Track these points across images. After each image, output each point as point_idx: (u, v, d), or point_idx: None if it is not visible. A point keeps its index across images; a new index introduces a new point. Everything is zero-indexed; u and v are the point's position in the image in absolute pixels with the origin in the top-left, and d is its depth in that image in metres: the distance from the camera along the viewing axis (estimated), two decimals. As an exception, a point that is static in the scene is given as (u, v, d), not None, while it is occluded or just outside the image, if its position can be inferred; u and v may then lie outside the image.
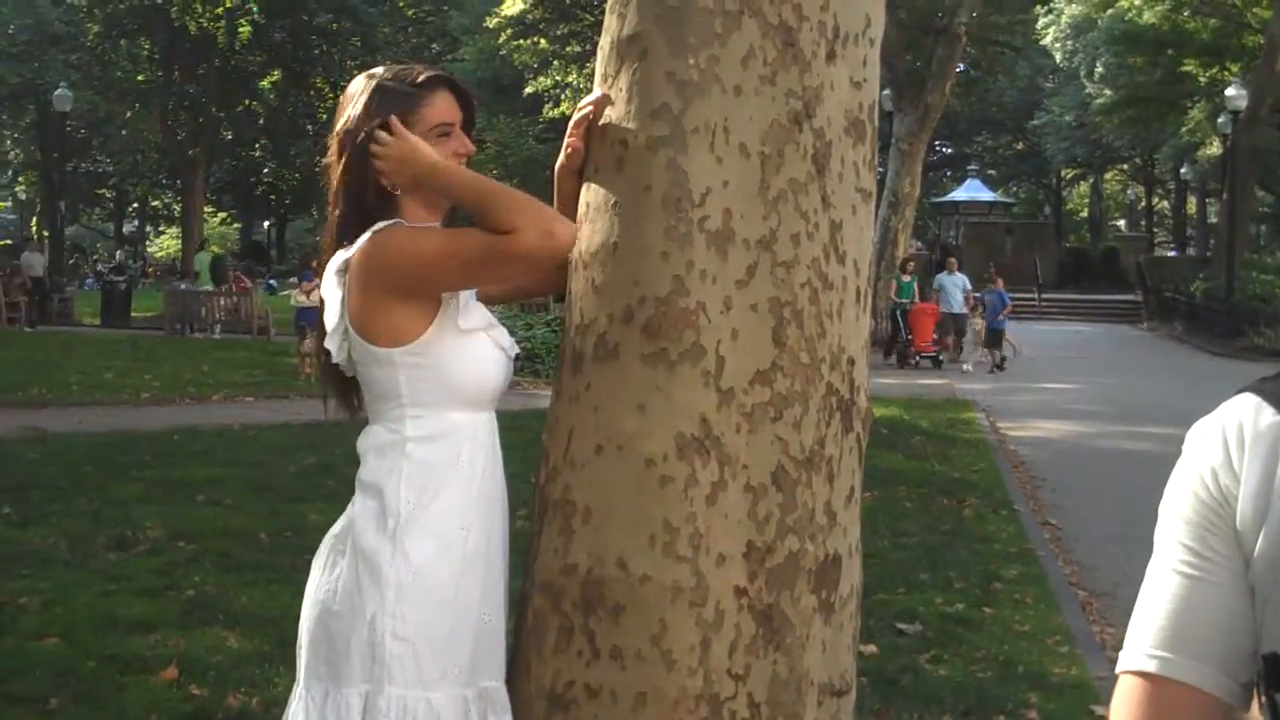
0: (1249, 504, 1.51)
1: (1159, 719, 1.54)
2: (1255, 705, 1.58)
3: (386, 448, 2.79)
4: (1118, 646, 6.08)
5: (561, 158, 2.93)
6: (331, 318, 2.83)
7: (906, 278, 29.60)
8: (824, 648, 2.81)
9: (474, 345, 2.81)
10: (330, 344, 2.85)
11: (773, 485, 2.73)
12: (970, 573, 8.70)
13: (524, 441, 2.92)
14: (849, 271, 2.87)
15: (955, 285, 28.81)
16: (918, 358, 28.81)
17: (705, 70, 2.74)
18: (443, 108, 2.91)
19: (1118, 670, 1.61)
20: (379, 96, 2.88)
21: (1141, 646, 1.59)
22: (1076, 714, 6.02)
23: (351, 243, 2.81)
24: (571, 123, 2.90)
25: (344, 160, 2.87)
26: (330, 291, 2.83)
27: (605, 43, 2.93)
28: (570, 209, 2.88)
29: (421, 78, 2.92)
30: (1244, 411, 1.54)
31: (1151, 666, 1.56)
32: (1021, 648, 7.04)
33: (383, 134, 2.82)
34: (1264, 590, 1.51)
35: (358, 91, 2.91)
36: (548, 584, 2.78)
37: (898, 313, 28.96)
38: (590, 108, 2.86)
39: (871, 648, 6.75)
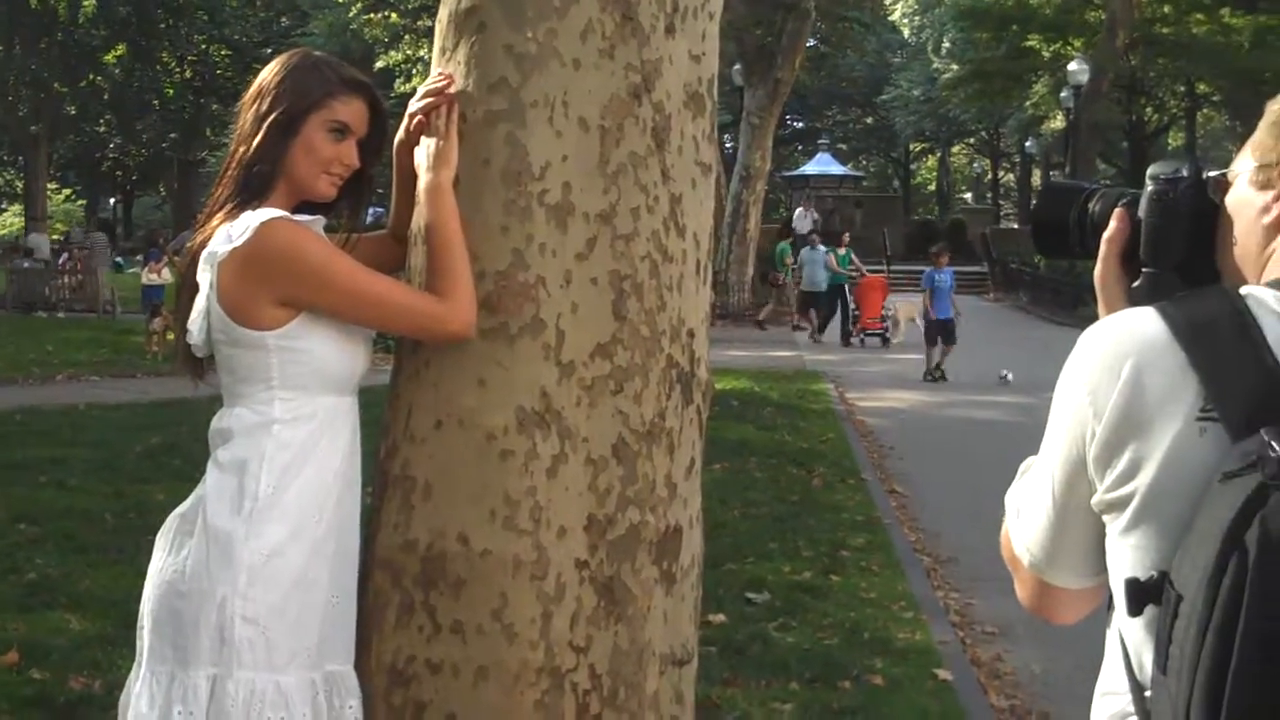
0: (1112, 427, 1.59)
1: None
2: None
3: (252, 429, 2.74)
4: (961, 612, 6.23)
5: (401, 133, 2.90)
6: (200, 300, 2.77)
7: (841, 250, 28.45)
8: (665, 618, 2.84)
9: (346, 329, 2.77)
10: (192, 325, 2.79)
11: (613, 458, 2.74)
12: (818, 541, 8.81)
13: (375, 419, 2.90)
14: (689, 245, 2.89)
15: (816, 261, 27.58)
16: (863, 335, 26.83)
17: (544, 44, 2.74)
18: (352, 111, 2.86)
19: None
20: (299, 73, 2.83)
21: (1027, 545, 1.79)
22: (920, 678, 6.14)
23: (227, 221, 2.75)
24: (415, 97, 2.87)
25: (256, 138, 2.81)
26: (201, 274, 2.77)
27: (443, 16, 2.91)
28: (410, 185, 2.85)
29: (348, 76, 2.88)
30: (1135, 325, 1.62)
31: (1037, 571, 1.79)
32: (867, 614, 7.16)
33: (443, 117, 2.79)
34: (1128, 513, 1.58)
35: (282, 65, 2.87)
36: (388, 560, 2.77)
37: (846, 288, 27.42)
38: (443, 81, 2.82)
39: (720, 617, 6.83)
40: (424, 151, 2.80)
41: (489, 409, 2.70)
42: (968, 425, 14.75)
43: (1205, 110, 52.46)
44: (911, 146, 72.25)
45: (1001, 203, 70.08)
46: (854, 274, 27.53)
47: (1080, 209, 2.01)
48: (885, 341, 26.34)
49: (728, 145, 43.64)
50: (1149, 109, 53.74)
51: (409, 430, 2.79)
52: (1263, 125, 1.69)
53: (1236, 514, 1.38)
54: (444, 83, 2.82)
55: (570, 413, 2.71)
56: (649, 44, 2.81)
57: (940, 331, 19.84)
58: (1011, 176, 72.57)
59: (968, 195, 77.22)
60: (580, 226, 2.73)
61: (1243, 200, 1.71)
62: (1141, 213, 1.86)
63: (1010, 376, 18.31)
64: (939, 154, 73.79)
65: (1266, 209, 1.65)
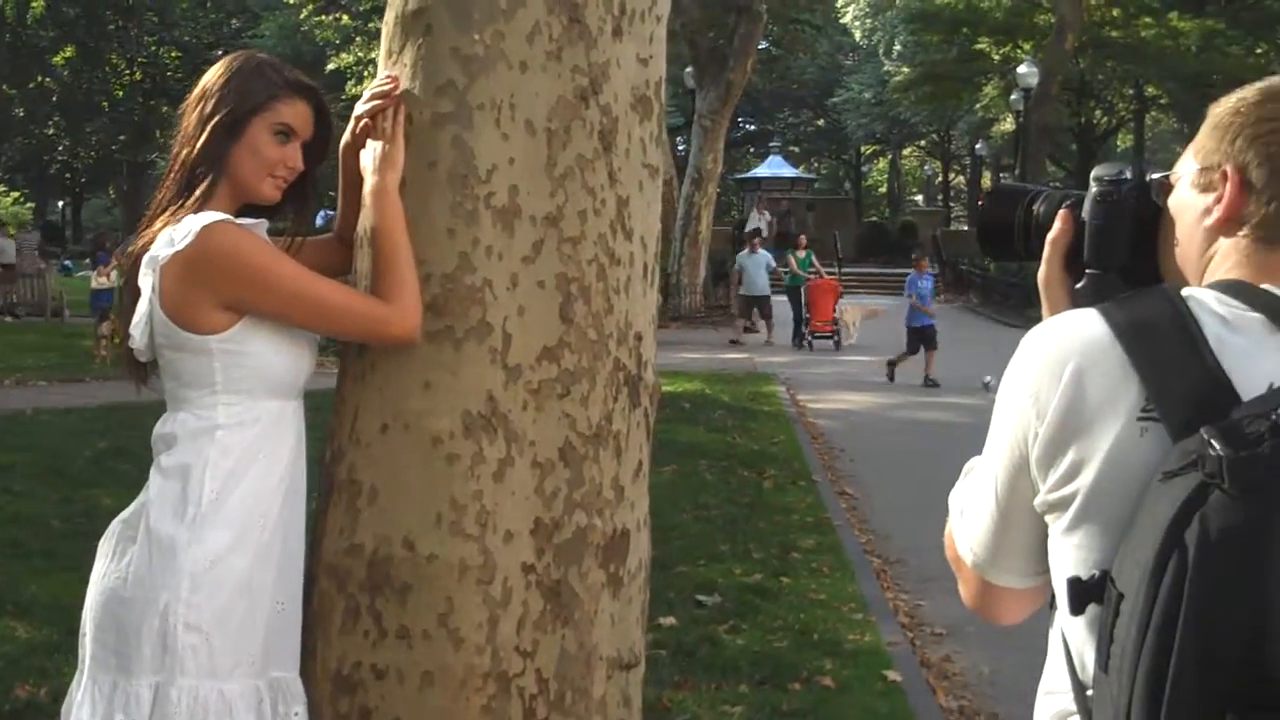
0: (1054, 428, 1.59)
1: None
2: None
3: (196, 434, 2.71)
4: (910, 613, 6.25)
5: (347, 135, 2.89)
6: (142, 304, 2.75)
7: (801, 253, 28.14)
8: (612, 621, 2.83)
9: (290, 333, 2.75)
10: (135, 330, 2.76)
11: (560, 461, 2.74)
12: (769, 543, 8.83)
13: (321, 423, 2.88)
14: (636, 247, 2.89)
15: (758, 265, 27.01)
16: (811, 338, 26.12)
17: (491, 46, 2.73)
18: (296, 113, 2.84)
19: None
20: (243, 76, 2.81)
21: (970, 545, 1.80)
22: (870, 679, 6.16)
23: (170, 224, 2.73)
24: (361, 100, 2.86)
25: (199, 141, 2.79)
26: (143, 278, 2.75)
27: (390, 18, 2.89)
28: (356, 188, 2.84)
29: (293, 79, 2.86)
30: (1077, 326, 1.63)
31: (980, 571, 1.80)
32: (817, 616, 7.18)
33: (389, 120, 2.78)
34: (1070, 512, 1.59)
35: (226, 67, 2.84)
36: (333, 566, 2.75)
37: (802, 289, 26.63)
38: (389, 84, 2.81)
39: (671, 619, 6.83)
40: (370, 154, 2.78)
41: (435, 413, 2.69)
42: (918, 427, 14.81)
43: (1153, 113, 52.88)
44: (863, 149, 72.49)
45: (952, 205, 70.40)
46: (814, 275, 27.34)
47: (1025, 211, 2.02)
48: (836, 345, 26.00)
49: (680, 148, 43.70)
50: (1098, 112, 54.17)
51: (354, 434, 2.77)
52: (1204, 129, 1.70)
53: (1177, 512, 1.39)
54: (390, 85, 2.81)
55: (517, 416, 2.70)
56: (596, 47, 2.80)
57: (921, 337, 19.75)
58: (962, 179, 72.96)
59: (919, 197, 77.59)
60: (527, 229, 2.72)
61: (1185, 203, 1.72)
62: (1085, 214, 1.87)
63: (992, 382, 18.31)
64: (890, 156, 74.09)
65: (1208, 211, 1.66)
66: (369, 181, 2.76)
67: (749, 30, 30.45)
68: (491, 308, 2.70)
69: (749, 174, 58.86)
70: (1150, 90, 49.87)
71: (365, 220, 2.79)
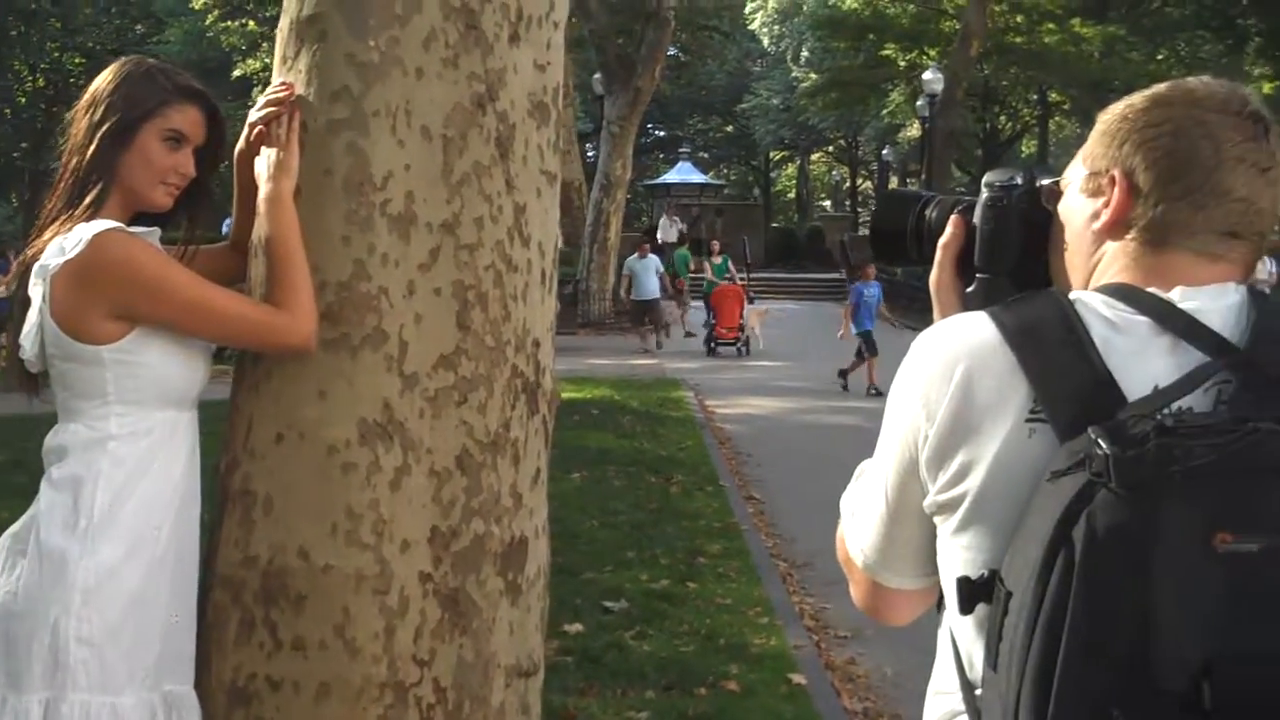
0: (943, 430, 1.61)
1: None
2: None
3: (88, 445, 2.67)
4: (816, 616, 6.27)
5: (241, 142, 2.86)
6: (32, 314, 2.71)
7: (717, 259, 27.58)
8: (511, 629, 2.83)
9: (183, 342, 2.72)
10: (25, 340, 2.72)
11: (457, 469, 2.73)
12: (676, 549, 8.84)
13: (215, 433, 2.85)
14: (534, 254, 2.89)
15: (647, 269, 26.22)
16: (714, 344, 25.54)
17: (386, 52, 2.72)
18: (188, 120, 2.80)
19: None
20: (133, 82, 2.77)
21: (861, 547, 1.82)
22: (775, 683, 6.17)
23: (60, 233, 2.68)
24: (255, 106, 2.84)
25: (90, 149, 2.75)
26: (33, 287, 2.70)
27: (284, 24, 2.87)
28: (251, 195, 2.81)
29: (184, 84, 2.82)
30: (966, 329, 1.65)
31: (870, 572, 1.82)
32: (723, 620, 7.19)
33: (284, 126, 2.75)
34: (959, 513, 1.61)
35: (115, 73, 2.80)
36: (228, 577, 2.72)
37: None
38: (284, 90, 2.79)
39: (577, 626, 6.82)
40: (264, 161, 2.76)
41: (330, 422, 2.67)
42: (825, 431, 14.88)
43: (1057, 118, 53.53)
44: (771, 155, 72.77)
45: (859, 210, 70.84)
46: (729, 280, 27.11)
47: (917, 217, 2.04)
48: (739, 352, 25.50)
49: (589, 154, 43.68)
50: (1003, 117, 54.79)
51: (249, 444, 2.75)
52: (1093, 135, 1.73)
53: (1064, 511, 1.40)
54: (285, 92, 2.79)
55: (414, 424, 2.69)
56: (493, 53, 2.80)
57: (864, 343, 19.70)
58: (869, 184, 73.46)
59: (827, 203, 78.09)
60: (423, 236, 2.71)
61: (1074, 207, 1.74)
62: (977, 219, 1.90)
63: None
64: (798, 162, 74.44)
65: (1096, 215, 1.69)
66: (263, 188, 2.73)
67: (657, 37, 30.47)
68: (387, 315, 2.68)
69: (658, 180, 58.90)
70: (1054, 96, 50.51)
71: (260, 228, 2.76)
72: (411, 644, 2.68)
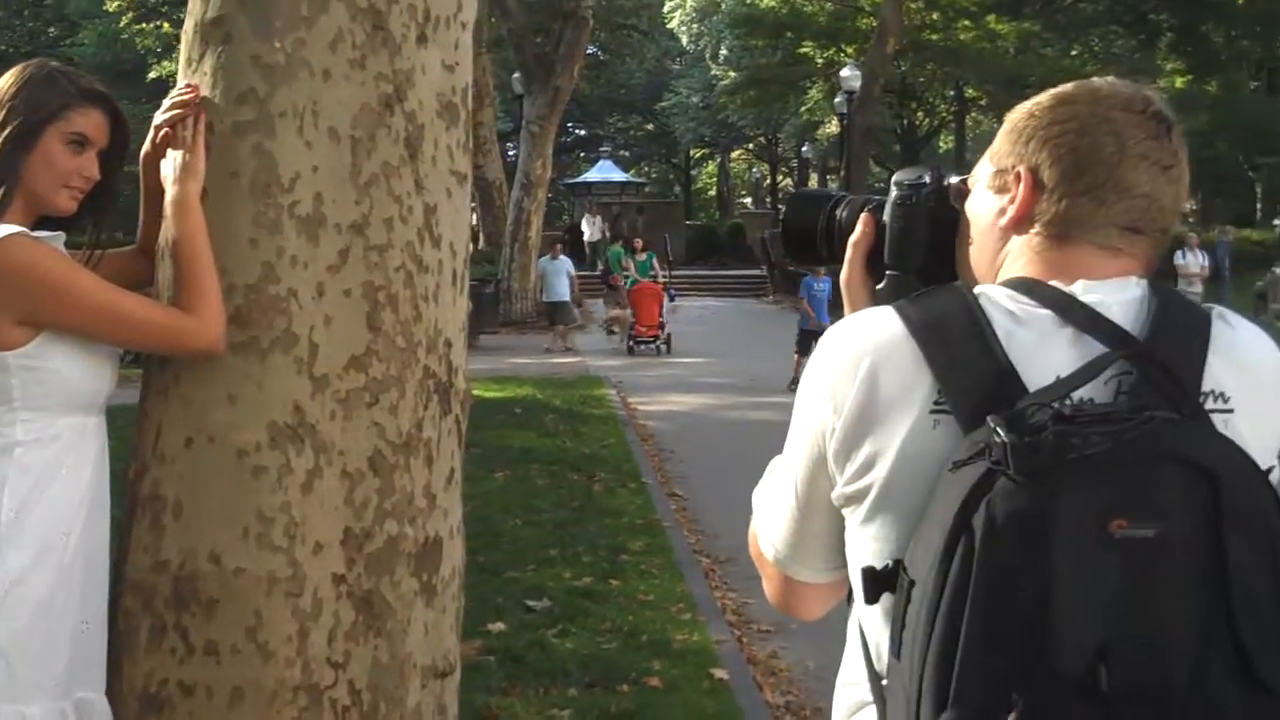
0: (850, 423, 1.63)
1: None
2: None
3: None
4: (738, 611, 6.30)
5: (147, 145, 2.84)
6: None
7: (641, 256, 27.15)
8: (426, 630, 2.83)
9: (90, 347, 2.69)
10: None
11: (370, 471, 2.72)
12: (598, 546, 8.83)
13: (124, 438, 2.82)
14: (445, 254, 2.89)
15: (558, 271, 26.09)
16: (633, 343, 25.01)
17: (292, 54, 2.71)
18: (90, 123, 2.77)
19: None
20: (34, 85, 2.74)
21: (772, 541, 1.84)
22: (697, 678, 6.19)
23: None
24: (161, 109, 2.82)
25: None
26: None
27: (189, 26, 2.86)
28: (157, 198, 2.79)
29: (86, 87, 2.79)
30: (872, 324, 1.67)
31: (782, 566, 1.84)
32: (646, 617, 7.20)
33: (190, 129, 2.73)
34: (865, 505, 1.63)
35: (16, 76, 2.77)
36: (138, 583, 2.71)
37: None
38: (189, 93, 2.77)
39: (500, 625, 6.81)
40: (170, 164, 2.74)
41: (240, 425, 2.66)
42: (746, 427, 14.91)
43: (973, 114, 53.93)
44: (692, 152, 72.92)
45: (780, 207, 71.08)
46: (652, 278, 26.94)
47: (828, 216, 2.06)
48: (658, 350, 25.08)
49: (510, 153, 43.54)
50: (920, 113, 55.19)
51: (158, 449, 2.73)
52: (1001, 133, 1.76)
53: (965, 498, 1.43)
54: (190, 94, 2.78)
55: (325, 426, 2.68)
56: (400, 53, 2.80)
57: (814, 339, 19.57)
58: (789, 181, 73.75)
59: (747, 200, 78.30)
60: (332, 238, 2.71)
61: (980, 204, 1.77)
62: (886, 218, 1.92)
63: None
64: (718, 159, 74.66)
65: (1002, 212, 1.71)
66: (169, 191, 2.72)
67: (575, 36, 30.45)
68: (297, 317, 2.68)
69: (579, 179, 58.89)
70: (970, 92, 50.92)
71: (166, 231, 2.75)
72: (325, 646, 2.67)
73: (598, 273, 38.35)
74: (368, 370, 2.73)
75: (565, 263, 26.70)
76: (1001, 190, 1.73)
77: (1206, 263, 23.82)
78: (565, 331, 26.17)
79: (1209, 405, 1.58)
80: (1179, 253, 23.05)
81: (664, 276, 27.46)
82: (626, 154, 71.71)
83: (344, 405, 2.70)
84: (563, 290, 26.15)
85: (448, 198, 2.90)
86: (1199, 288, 22.92)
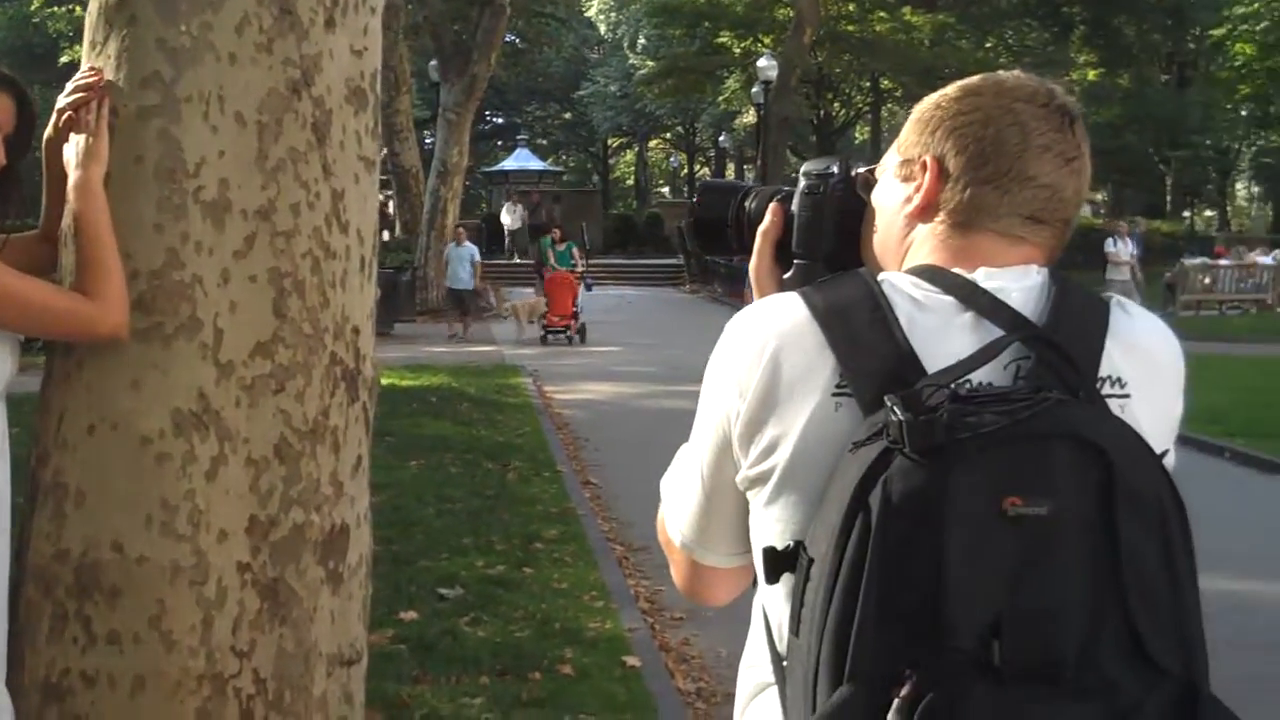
0: (754, 406, 1.64)
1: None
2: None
3: None
4: (651, 599, 6.31)
5: (50, 129, 2.80)
6: None
7: (560, 246, 26.86)
8: (333, 618, 2.81)
9: None
10: None
11: (275, 458, 2.71)
12: (512, 535, 8.82)
13: (27, 425, 2.79)
14: (353, 241, 2.87)
15: (462, 258, 25.74)
16: (545, 332, 24.73)
17: (198, 37, 2.69)
18: None
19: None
20: None
21: (679, 527, 1.84)
22: (610, 666, 6.20)
23: None
24: (64, 93, 2.78)
25: None
26: None
27: (93, 9, 2.82)
28: (61, 183, 2.76)
29: None
30: (777, 309, 1.68)
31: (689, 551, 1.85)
32: (559, 605, 7.20)
33: (93, 113, 2.69)
34: (769, 487, 1.64)
35: None
36: (40, 571, 2.67)
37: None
38: (93, 76, 2.74)
39: (412, 614, 6.78)
40: (74, 148, 2.71)
41: (144, 412, 2.64)
42: (661, 416, 14.92)
43: (889, 105, 54.28)
44: (609, 141, 72.90)
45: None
46: (572, 267, 26.75)
47: (737, 206, 2.08)
48: (570, 340, 24.87)
49: (427, 141, 43.28)
50: (836, 104, 55.48)
51: (60, 436, 2.70)
52: (908, 124, 1.78)
53: (862, 477, 1.44)
54: (94, 78, 2.74)
55: (230, 413, 2.66)
56: (308, 38, 2.78)
57: None
58: (707, 170, 73.91)
59: (665, 189, 78.43)
60: (238, 224, 2.69)
61: (887, 193, 1.79)
62: (794, 207, 1.94)
63: None
64: (636, 149, 74.69)
65: (908, 200, 1.73)
66: (73, 176, 2.69)
67: (492, 24, 30.32)
68: (201, 304, 2.65)
69: (497, 167, 58.71)
70: (886, 83, 51.35)
71: (69, 216, 2.71)
72: (230, 635, 2.65)
73: (517, 261, 38.22)
74: (274, 357, 2.71)
75: (470, 249, 26.43)
76: (907, 179, 1.74)
77: (1136, 251, 24.08)
78: (470, 320, 25.99)
79: (1106, 390, 1.60)
80: (1110, 240, 23.29)
81: (582, 266, 27.38)
82: (544, 142, 71.59)
83: (249, 392, 2.68)
84: (465, 277, 25.88)
85: (355, 184, 2.89)
86: (1128, 275, 23.13)
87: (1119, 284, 22.53)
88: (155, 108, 2.68)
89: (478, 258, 26.46)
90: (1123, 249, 23.37)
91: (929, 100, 1.77)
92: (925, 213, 1.72)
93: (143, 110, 2.68)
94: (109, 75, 2.72)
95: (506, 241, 43.68)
